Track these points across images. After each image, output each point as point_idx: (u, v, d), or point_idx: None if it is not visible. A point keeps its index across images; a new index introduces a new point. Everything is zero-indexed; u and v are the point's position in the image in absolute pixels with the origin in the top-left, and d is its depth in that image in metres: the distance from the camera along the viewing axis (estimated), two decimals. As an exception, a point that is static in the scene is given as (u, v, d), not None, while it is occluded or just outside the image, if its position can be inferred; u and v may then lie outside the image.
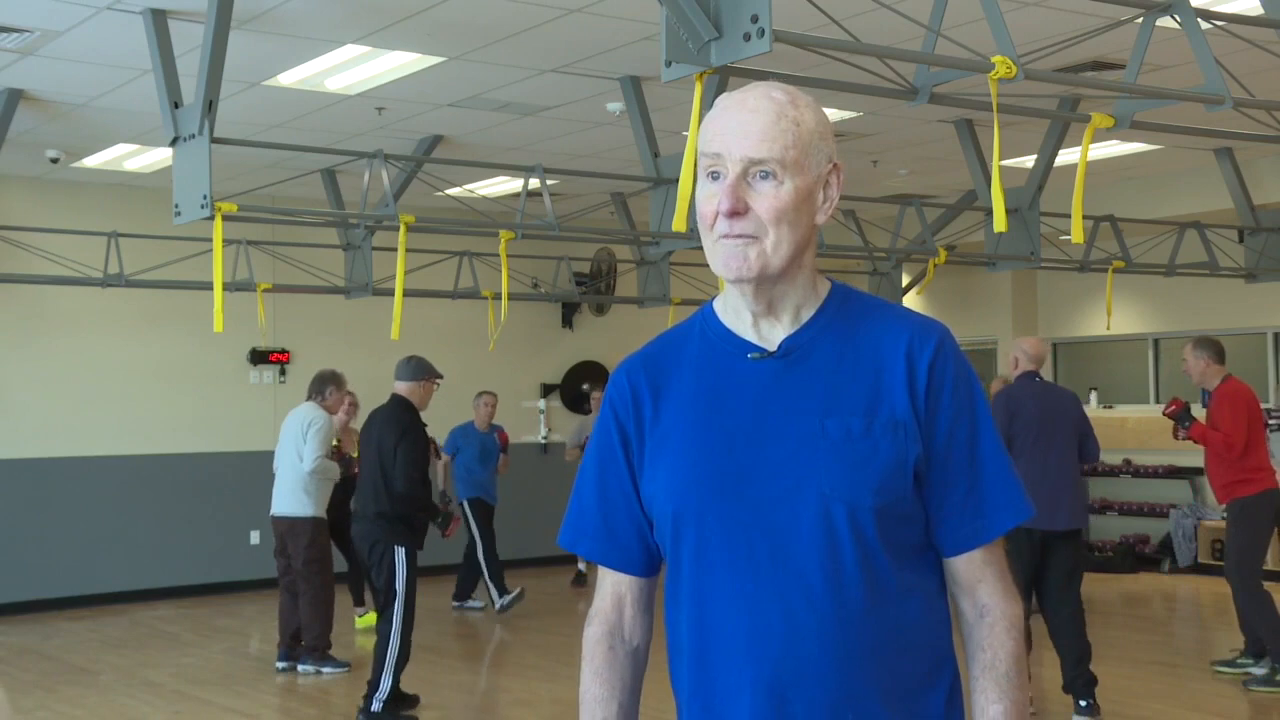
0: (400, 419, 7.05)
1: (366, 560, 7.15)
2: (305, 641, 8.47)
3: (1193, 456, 8.64)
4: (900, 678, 1.86)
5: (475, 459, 10.55)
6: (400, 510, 7.00)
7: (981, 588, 1.90)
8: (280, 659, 8.57)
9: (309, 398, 8.68)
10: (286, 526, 8.44)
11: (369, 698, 6.96)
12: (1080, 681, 6.81)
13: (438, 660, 8.61)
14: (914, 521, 1.88)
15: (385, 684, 6.92)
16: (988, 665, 1.87)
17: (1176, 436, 7.87)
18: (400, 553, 6.92)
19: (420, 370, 7.16)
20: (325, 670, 8.34)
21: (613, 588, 2.02)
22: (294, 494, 8.38)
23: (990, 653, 1.87)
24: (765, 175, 1.82)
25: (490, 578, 10.45)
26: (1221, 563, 8.45)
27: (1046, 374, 13.76)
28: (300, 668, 8.45)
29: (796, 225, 1.84)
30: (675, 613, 1.93)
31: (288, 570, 8.51)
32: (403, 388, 7.17)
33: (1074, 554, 6.96)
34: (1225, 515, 7.66)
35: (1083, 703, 6.80)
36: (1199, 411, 8.00)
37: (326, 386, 8.59)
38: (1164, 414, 7.79)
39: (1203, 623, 8.95)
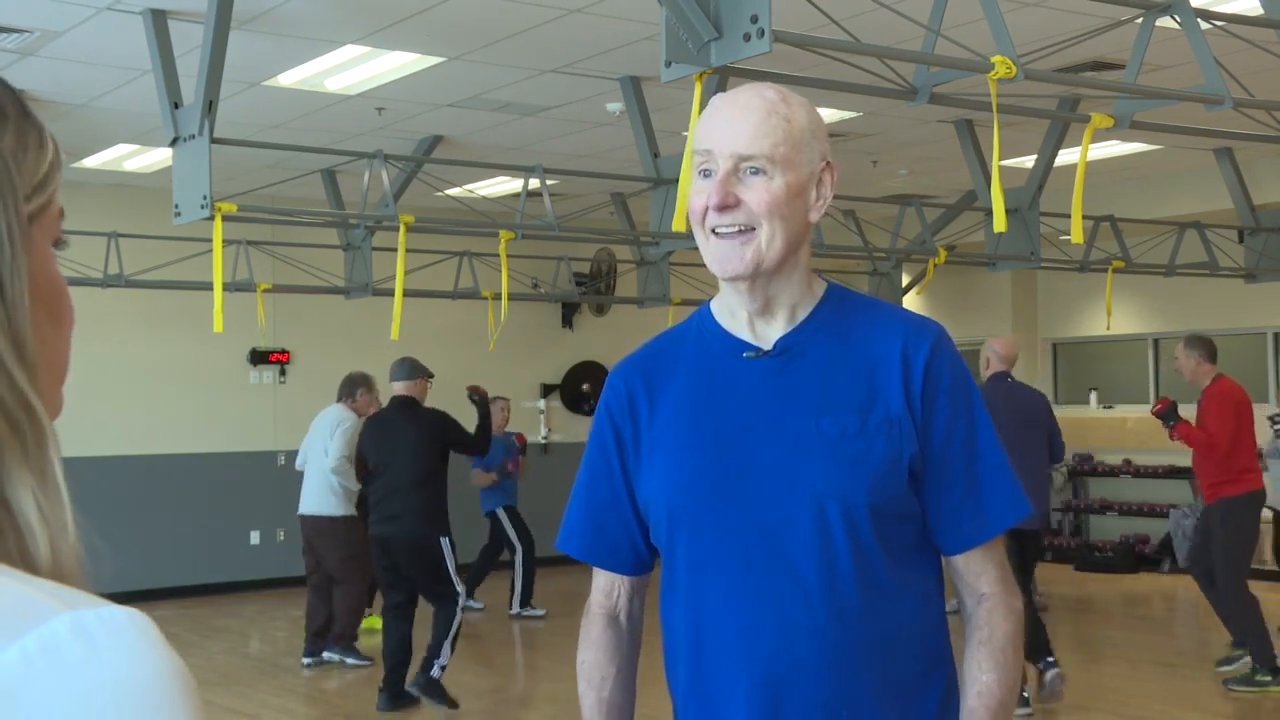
0: (428, 415, 7.42)
1: (406, 558, 7.24)
2: (334, 630, 8.65)
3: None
4: (895, 676, 1.86)
5: (497, 462, 10.61)
6: (439, 504, 7.28)
7: (982, 580, 1.91)
8: (306, 655, 8.69)
9: (339, 399, 8.87)
10: (313, 525, 8.61)
11: (428, 662, 7.17)
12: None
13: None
14: (910, 520, 1.89)
15: (446, 652, 7.17)
16: (984, 640, 1.88)
17: (1172, 436, 7.89)
18: (445, 542, 7.24)
19: (417, 369, 7.51)
20: (349, 661, 8.48)
21: (605, 581, 2.05)
22: (321, 493, 8.54)
23: (987, 629, 1.89)
24: (755, 171, 1.82)
25: (523, 583, 10.48)
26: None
27: (1046, 374, 13.81)
28: (325, 654, 8.60)
29: (789, 220, 1.84)
30: (671, 612, 1.94)
31: (316, 568, 8.69)
32: (404, 387, 7.47)
33: (1034, 551, 7.45)
34: (1211, 515, 7.67)
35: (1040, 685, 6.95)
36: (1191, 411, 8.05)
37: (357, 389, 8.82)
38: (1151, 413, 7.82)
39: (1203, 623, 8.94)
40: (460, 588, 7.32)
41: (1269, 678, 7.44)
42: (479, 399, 7.85)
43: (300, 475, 8.95)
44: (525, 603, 10.55)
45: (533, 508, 10.80)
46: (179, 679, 0.75)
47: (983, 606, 1.90)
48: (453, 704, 7.16)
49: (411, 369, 7.50)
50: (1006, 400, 7.07)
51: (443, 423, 7.45)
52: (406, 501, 7.22)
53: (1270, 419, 8.36)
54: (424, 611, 7.34)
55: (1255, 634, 7.51)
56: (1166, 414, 7.66)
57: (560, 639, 9.42)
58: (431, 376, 7.67)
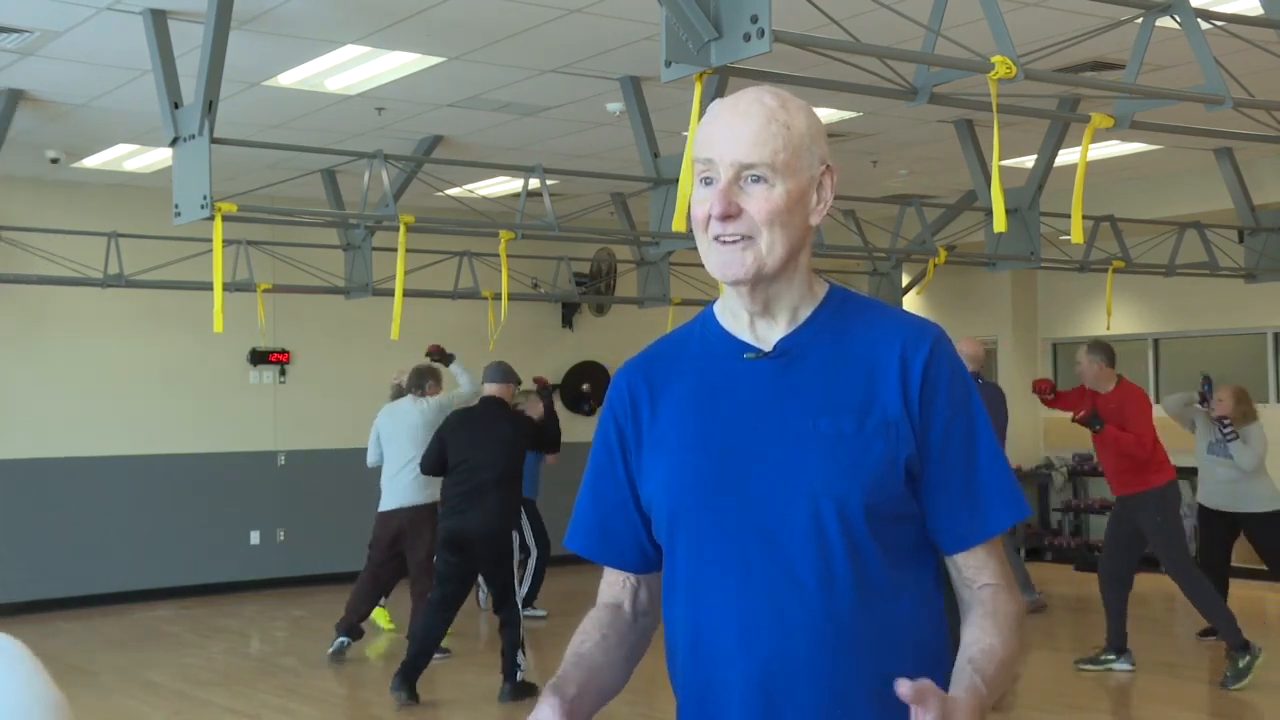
0: (512, 416, 7.81)
1: (486, 550, 7.52)
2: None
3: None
4: (892, 676, 1.86)
5: (535, 458, 10.57)
6: (518, 501, 7.82)
7: (983, 575, 1.92)
8: (342, 634, 8.79)
9: (408, 392, 9.04)
10: (409, 518, 8.74)
11: (513, 671, 7.55)
12: None
13: (439, 659, 8.61)
14: (907, 520, 1.89)
15: (521, 661, 7.60)
16: (988, 613, 1.87)
17: (1043, 398, 8.64)
18: (515, 537, 7.69)
19: (511, 374, 7.95)
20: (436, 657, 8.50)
21: (612, 576, 2.08)
22: (414, 486, 8.65)
23: (991, 606, 1.88)
24: (757, 179, 1.85)
25: (533, 584, 10.46)
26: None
27: (1047, 374, 13.81)
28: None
29: (789, 226, 1.87)
30: (672, 608, 1.96)
31: (383, 564, 8.88)
32: (496, 389, 7.82)
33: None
34: (1138, 506, 7.94)
35: None
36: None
37: (426, 380, 9.06)
38: (1074, 420, 8.12)
39: (1202, 623, 8.93)
40: (518, 589, 7.70)
41: (1248, 657, 7.48)
42: (545, 391, 8.29)
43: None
44: (528, 603, 10.54)
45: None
46: (50, 709, 0.71)
47: (984, 592, 1.90)
48: (531, 690, 7.50)
49: (506, 373, 7.87)
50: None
51: (528, 425, 7.93)
52: (491, 498, 7.50)
53: (1219, 420, 8.43)
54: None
55: (1220, 615, 7.64)
56: (1091, 420, 7.93)
57: (562, 639, 9.39)
58: (519, 383, 8.09)
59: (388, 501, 8.85)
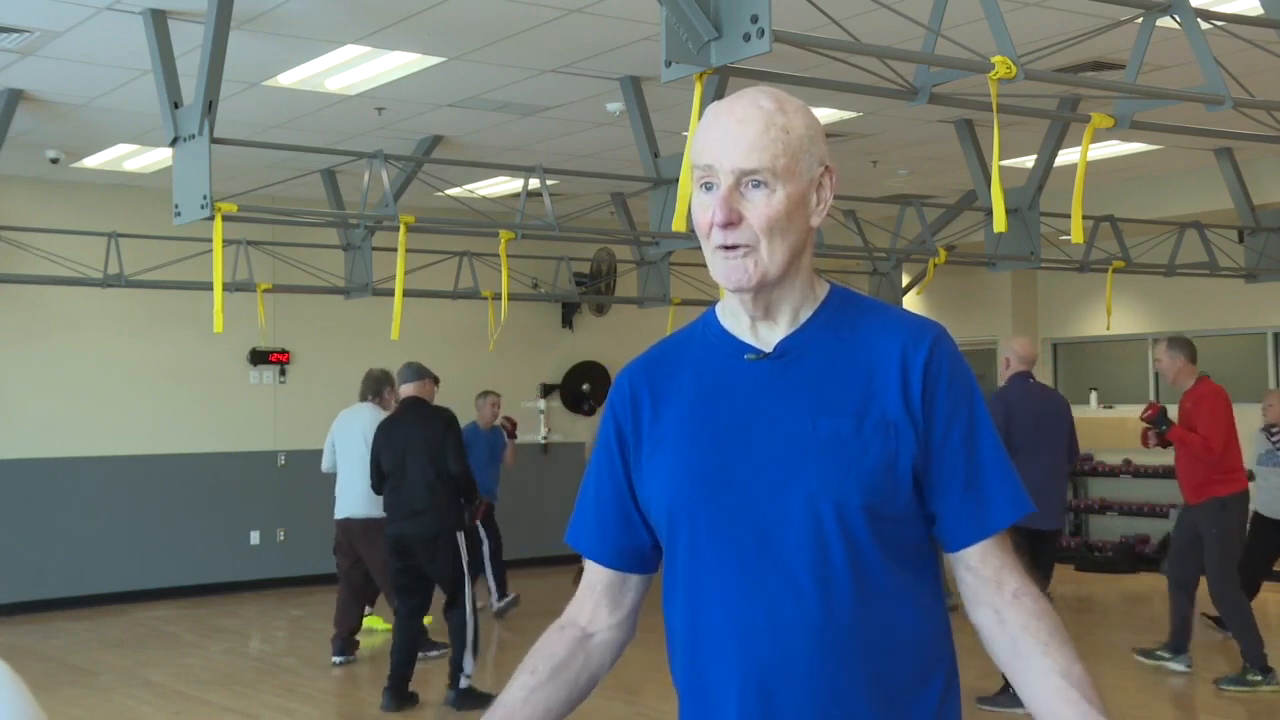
0: (437, 412, 7.56)
1: (426, 554, 7.37)
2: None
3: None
4: (889, 678, 1.86)
5: (484, 459, 10.55)
6: (454, 499, 7.45)
7: (1005, 574, 1.90)
8: (337, 653, 8.75)
9: (365, 398, 8.94)
10: (360, 528, 8.62)
11: (457, 677, 7.34)
12: None
13: (436, 657, 8.61)
14: (908, 521, 1.89)
15: (470, 662, 7.35)
16: (1053, 631, 1.85)
17: (1147, 443, 7.98)
18: (460, 538, 7.43)
19: (424, 371, 7.74)
20: (434, 655, 8.50)
21: (589, 582, 2.08)
22: (368, 496, 8.28)
23: (1050, 621, 1.86)
24: (757, 184, 1.84)
25: (495, 575, 10.48)
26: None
27: (1046, 374, 13.80)
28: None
29: (790, 231, 1.87)
30: (672, 607, 1.97)
31: (352, 568, 8.80)
32: (412, 388, 7.67)
33: (1051, 552, 7.41)
34: (1199, 515, 7.71)
35: None
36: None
37: (384, 386, 8.92)
38: (1141, 419, 7.89)
39: (1202, 623, 8.94)
40: (469, 591, 7.44)
41: (1260, 677, 7.47)
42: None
43: (326, 476, 8.98)
44: (501, 591, 10.58)
45: (533, 508, 10.81)
46: None
47: (1021, 601, 1.88)
48: (481, 699, 7.20)
49: (419, 371, 7.71)
50: (1029, 400, 7.19)
51: (452, 424, 7.49)
52: (426, 499, 7.35)
53: (1266, 430, 8.38)
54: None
55: (1247, 633, 7.56)
56: (1158, 419, 7.75)
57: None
58: (437, 381, 7.90)
59: (341, 509, 8.77)
